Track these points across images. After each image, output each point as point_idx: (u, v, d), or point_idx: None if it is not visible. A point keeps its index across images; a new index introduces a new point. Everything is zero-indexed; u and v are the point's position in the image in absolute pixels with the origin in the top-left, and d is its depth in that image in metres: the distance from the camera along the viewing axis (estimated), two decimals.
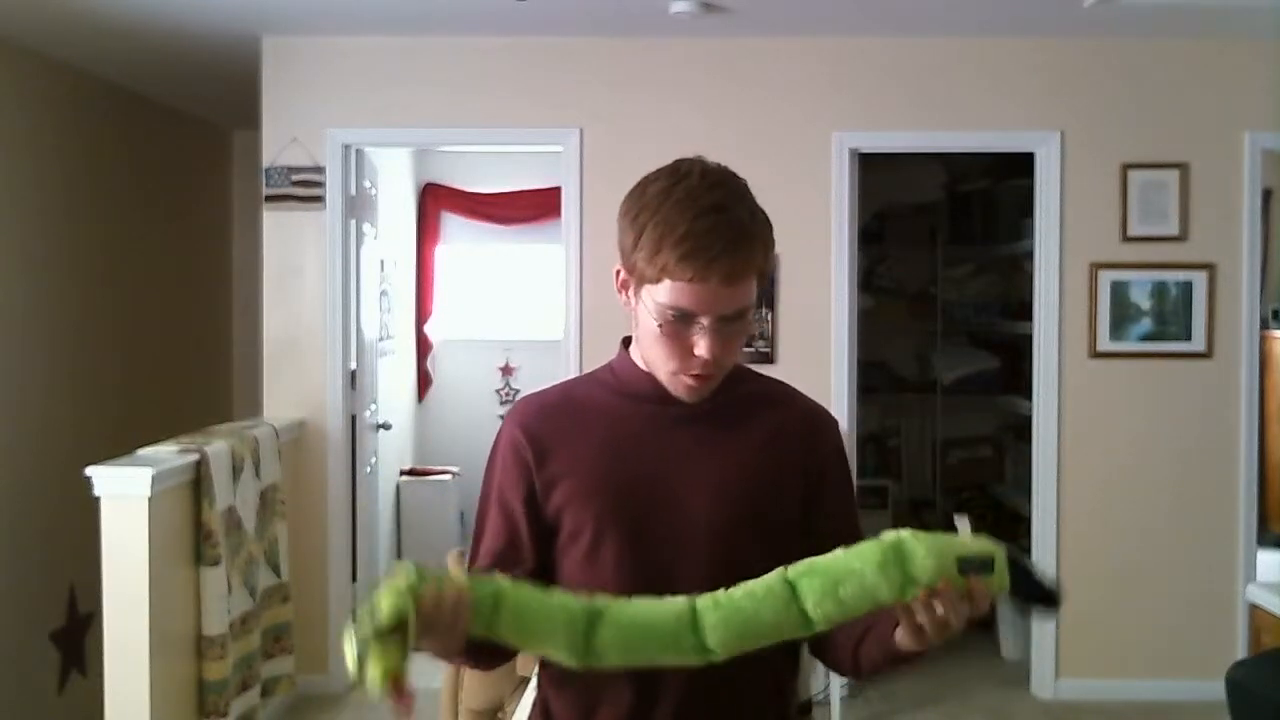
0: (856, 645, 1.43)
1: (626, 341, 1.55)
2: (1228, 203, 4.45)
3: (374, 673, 1.16)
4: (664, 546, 1.44)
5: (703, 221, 1.33)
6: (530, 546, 1.49)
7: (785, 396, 1.57)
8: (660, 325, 1.38)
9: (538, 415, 1.51)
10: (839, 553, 1.27)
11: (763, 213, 1.42)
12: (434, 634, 1.24)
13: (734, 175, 1.43)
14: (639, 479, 1.45)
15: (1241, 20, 4.22)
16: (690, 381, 1.42)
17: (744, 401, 1.51)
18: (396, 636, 1.18)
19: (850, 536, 1.51)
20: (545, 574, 1.49)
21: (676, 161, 1.43)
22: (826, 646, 1.50)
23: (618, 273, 1.45)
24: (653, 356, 1.43)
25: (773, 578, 1.28)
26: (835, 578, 1.25)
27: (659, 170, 1.42)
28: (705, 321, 1.36)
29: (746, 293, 1.37)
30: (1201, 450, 4.48)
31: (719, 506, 1.44)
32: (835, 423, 1.58)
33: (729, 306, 1.36)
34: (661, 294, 1.36)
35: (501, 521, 1.50)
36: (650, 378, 1.48)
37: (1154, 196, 4.44)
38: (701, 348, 1.37)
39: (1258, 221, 4.47)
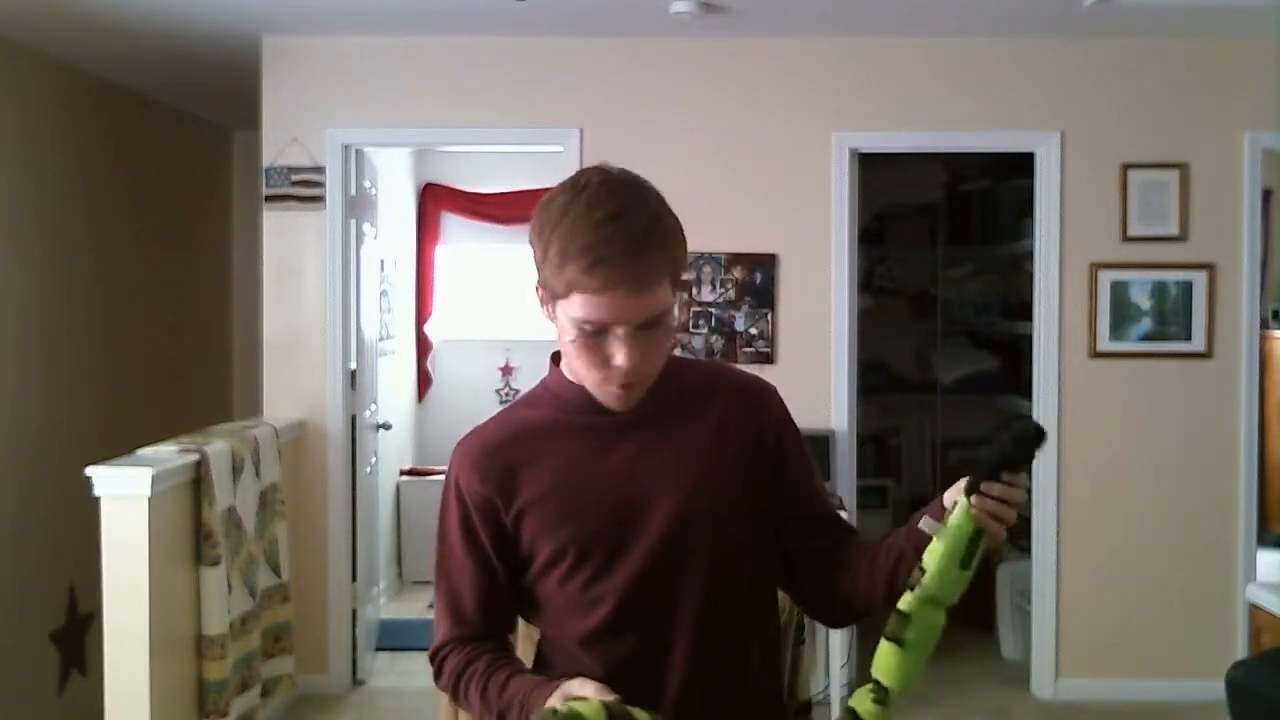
0: (890, 577, 1.41)
1: (556, 357, 1.54)
2: (1228, 203, 4.45)
3: None
4: (651, 551, 1.44)
5: (602, 232, 1.31)
6: (509, 584, 1.51)
7: (723, 378, 1.58)
8: (575, 339, 1.37)
9: (488, 454, 1.50)
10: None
11: (670, 216, 1.40)
12: None
13: (635, 180, 1.40)
14: (606, 491, 1.45)
15: (1241, 20, 4.22)
16: (616, 390, 1.41)
17: (686, 393, 1.51)
18: None
19: (816, 494, 1.57)
20: (520, 604, 1.53)
21: (578, 173, 1.41)
22: (840, 596, 1.50)
23: (538, 289, 1.44)
24: (577, 368, 1.43)
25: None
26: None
27: (561, 184, 1.40)
28: (620, 331, 1.35)
29: (658, 299, 1.35)
30: (1201, 450, 4.48)
31: (690, 502, 1.44)
32: (774, 389, 1.58)
33: (641, 314, 1.34)
34: (573, 308, 1.35)
35: (475, 566, 1.50)
36: (587, 390, 1.47)
37: (1154, 196, 4.44)
38: (619, 357, 1.36)
39: (1258, 221, 4.47)
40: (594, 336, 1.36)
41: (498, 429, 1.54)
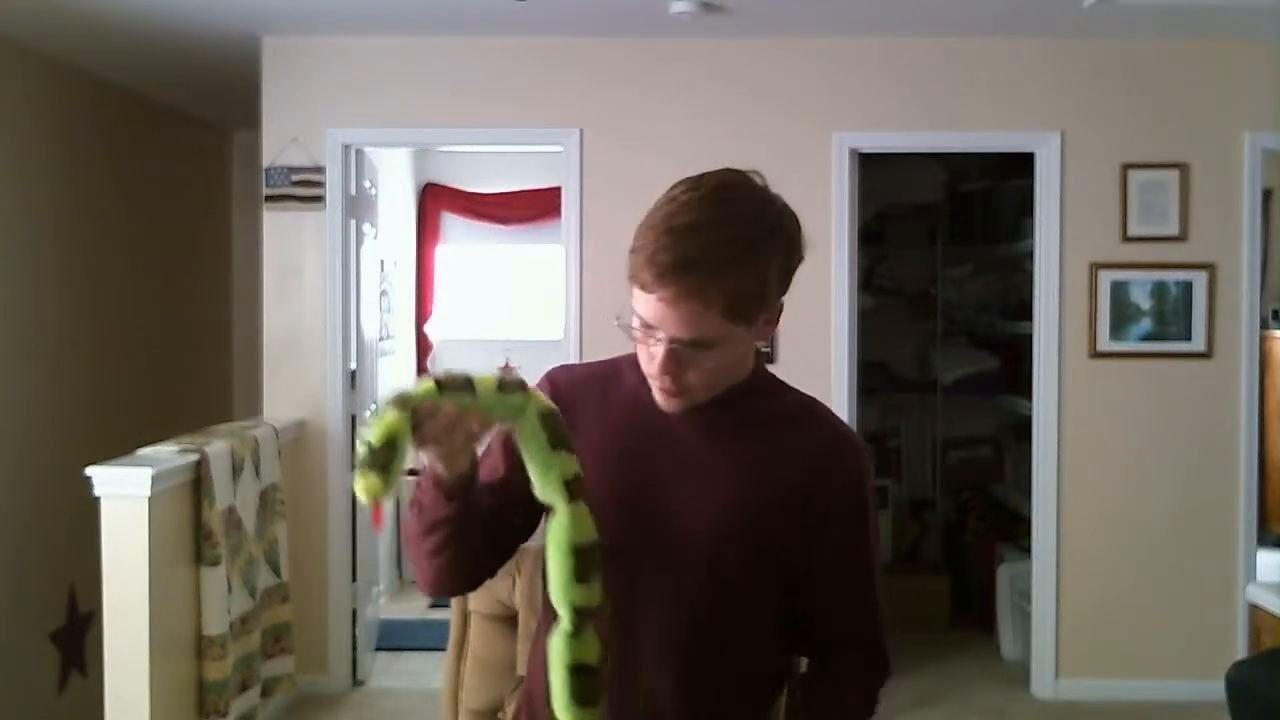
0: None
1: None
2: (1228, 203, 4.45)
3: (359, 491, 1.24)
4: (656, 552, 1.41)
5: (671, 235, 1.29)
6: (512, 494, 1.40)
7: (815, 417, 1.51)
8: (631, 326, 1.36)
9: (570, 383, 1.52)
10: None
11: (762, 250, 1.36)
12: (438, 444, 1.31)
13: (746, 200, 1.37)
14: (646, 476, 1.42)
15: (1241, 20, 4.22)
16: (658, 388, 1.39)
17: (774, 415, 1.47)
18: (387, 457, 1.25)
19: (847, 589, 1.49)
20: (512, 530, 1.46)
21: (715, 171, 1.38)
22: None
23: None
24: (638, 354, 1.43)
25: None
26: None
27: (691, 176, 1.38)
28: (660, 336, 1.33)
29: (701, 323, 1.30)
30: (1201, 450, 4.48)
31: (719, 521, 1.40)
32: (862, 451, 1.50)
33: (679, 329, 1.31)
34: (633, 296, 1.35)
35: (501, 459, 1.45)
36: None
37: (1154, 196, 4.44)
38: (656, 361, 1.35)
39: (1258, 221, 4.47)
40: (644, 331, 1.35)
41: (589, 368, 1.57)
